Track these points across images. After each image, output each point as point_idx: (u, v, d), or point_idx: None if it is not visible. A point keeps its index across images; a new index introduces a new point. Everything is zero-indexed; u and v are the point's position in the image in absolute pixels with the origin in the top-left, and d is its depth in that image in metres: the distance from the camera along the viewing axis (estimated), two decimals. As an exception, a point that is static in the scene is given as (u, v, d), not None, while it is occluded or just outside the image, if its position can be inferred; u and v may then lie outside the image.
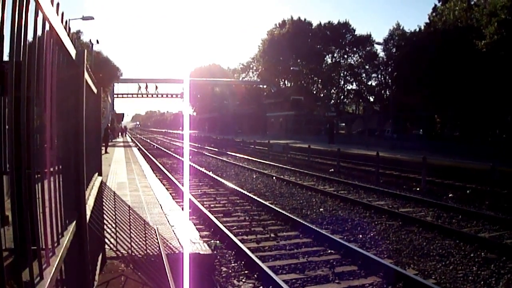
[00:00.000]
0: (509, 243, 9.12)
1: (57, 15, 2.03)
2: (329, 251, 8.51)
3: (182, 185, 16.05)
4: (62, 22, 2.19)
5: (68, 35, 2.43)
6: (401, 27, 71.02)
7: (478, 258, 8.21)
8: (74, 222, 2.56)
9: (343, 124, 76.38)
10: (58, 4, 2.02)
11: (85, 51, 3.04)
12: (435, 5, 55.46)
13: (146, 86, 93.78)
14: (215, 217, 10.88)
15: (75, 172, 2.79)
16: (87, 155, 3.18)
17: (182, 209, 10.53)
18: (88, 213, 3.10)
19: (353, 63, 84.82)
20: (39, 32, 1.69)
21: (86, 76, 3.33)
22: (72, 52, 2.64)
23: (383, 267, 7.25)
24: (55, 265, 1.77)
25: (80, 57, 2.90)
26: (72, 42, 2.60)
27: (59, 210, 2.15)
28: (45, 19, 1.77)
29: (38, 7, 1.63)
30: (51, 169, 2.02)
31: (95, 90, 4.73)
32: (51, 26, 1.89)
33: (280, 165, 25.69)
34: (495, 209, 12.90)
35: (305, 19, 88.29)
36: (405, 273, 6.99)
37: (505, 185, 16.21)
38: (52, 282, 1.66)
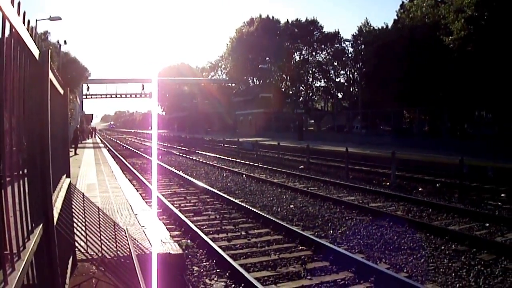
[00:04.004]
0: (479, 235, 9.30)
1: (18, 15, 1.99)
2: (300, 247, 8.54)
3: (152, 185, 15.92)
4: (24, 22, 2.15)
5: (31, 35, 2.38)
6: (369, 24, 71.52)
7: (449, 250, 8.34)
8: (41, 225, 2.52)
9: (312, 121, 76.89)
10: (19, 4, 1.98)
11: (49, 51, 2.98)
12: (403, 1, 56.08)
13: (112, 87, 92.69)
14: (185, 216, 10.84)
15: (41, 174, 2.74)
16: (54, 157, 3.13)
17: (152, 209, 10.45)
18: (56, 215, 3.05)
19: (321, 60, 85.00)
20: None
21: (51, 76, 3.27)
22: (35, 52, 2.60)
23: (355, 262, 7.31)
24: (21, 270, 1.73)
25: (44, 57, 2.85)
26: (35, 42, 2.55)
27: (25, 213, 2.11)
28: (5, 18, 1.73)
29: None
30: (15, 172, 1.98)
31: (61, 91, 4.65)
32: (11, 25, 1.85)
33: (250, 163, 25.73)
34: (465, 202, 13.15)
35: (273, 17, 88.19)
36: (376, 267, 7.06)
37: (474, 178, 16.59)
38: (17, 287, 1.62)
